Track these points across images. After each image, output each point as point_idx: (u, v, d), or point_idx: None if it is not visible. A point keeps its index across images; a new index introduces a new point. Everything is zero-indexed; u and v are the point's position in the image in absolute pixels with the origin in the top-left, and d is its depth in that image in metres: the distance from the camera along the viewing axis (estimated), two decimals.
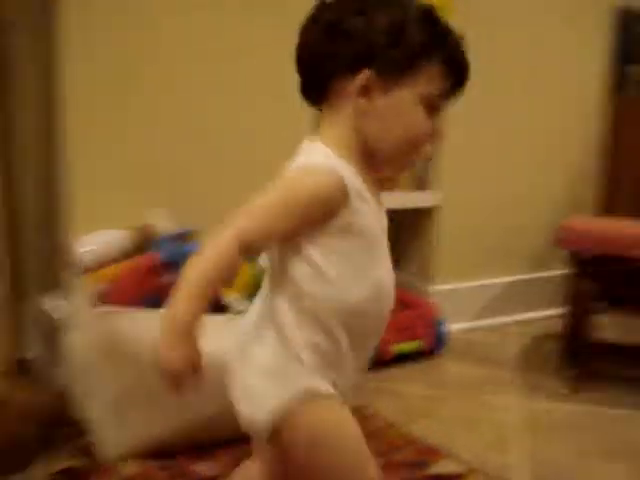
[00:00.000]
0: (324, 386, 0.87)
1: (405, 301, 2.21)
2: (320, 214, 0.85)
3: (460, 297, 2.52)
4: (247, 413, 0.88)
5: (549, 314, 2.66)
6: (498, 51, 2.43)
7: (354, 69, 0.86)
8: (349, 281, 0.88)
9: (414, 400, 1.91)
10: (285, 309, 0.87)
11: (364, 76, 0.86)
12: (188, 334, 0.80)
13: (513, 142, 2.61)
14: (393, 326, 2.10)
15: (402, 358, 2.14)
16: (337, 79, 0.88)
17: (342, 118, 0.89)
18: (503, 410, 1.86)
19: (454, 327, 2.43)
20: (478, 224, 2.56)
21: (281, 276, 0.89)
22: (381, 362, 2.06)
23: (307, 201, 0.84)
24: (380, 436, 1.64)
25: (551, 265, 2.66)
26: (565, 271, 2.21)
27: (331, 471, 0.87)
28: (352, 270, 0.88)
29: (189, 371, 0.80)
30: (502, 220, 2.61)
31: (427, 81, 0.88)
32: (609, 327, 2.45)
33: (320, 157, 0.87)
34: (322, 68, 0.88)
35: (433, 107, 0.90)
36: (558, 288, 2.41)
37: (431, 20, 0.89)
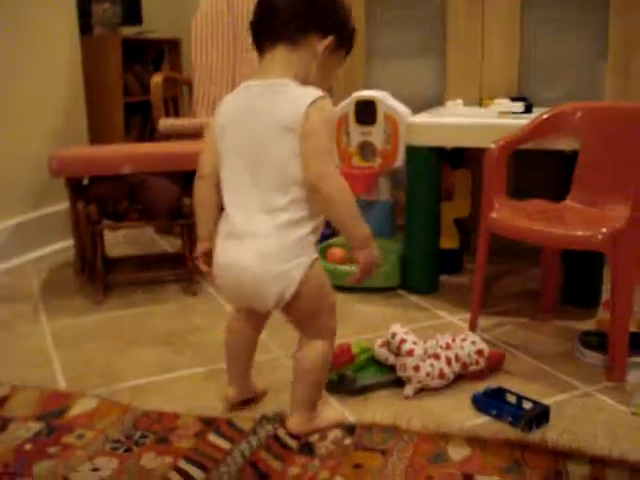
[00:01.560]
0: (315, 254, 1.33)
1: None
2: None
3: None
4: (278, 291, 1.29)
5: (63, 245, 2.78)
6: None
7: (325, 33, 1.32)
8: None
9: None
10: (304, 206, 1.28)
11: (330, 40, 1.32)
12: None
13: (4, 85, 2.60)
14: None
15: None
16: (311, 35, 1.31)
17: (303, 61, 1.32)
18: (37, 335, 1.95)
19: None
20: None
21: (304, 186, 1.26)
22: None
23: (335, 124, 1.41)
24: None
25: (57, 198, 2.73)
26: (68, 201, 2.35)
27: (324, 299, 1.36)
28: None
29: None
30: None
31: (342, 55, 1.39)
32: (121, 241, 2.70)
33: (313, 90, 1.29)
34: (302, 26, 1.30)
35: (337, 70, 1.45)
36: (66, 218, 2.54)
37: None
